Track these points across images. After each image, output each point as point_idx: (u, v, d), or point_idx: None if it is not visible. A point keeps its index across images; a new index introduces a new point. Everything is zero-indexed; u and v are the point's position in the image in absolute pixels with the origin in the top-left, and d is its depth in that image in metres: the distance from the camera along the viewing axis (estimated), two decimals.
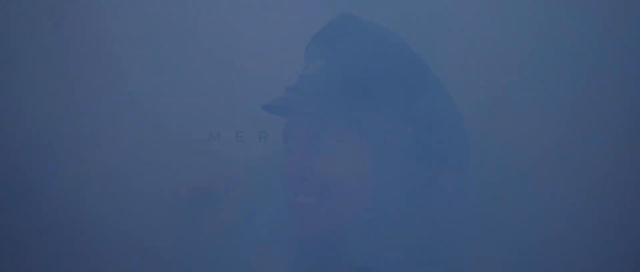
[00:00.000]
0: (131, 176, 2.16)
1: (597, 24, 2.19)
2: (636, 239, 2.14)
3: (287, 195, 2.08)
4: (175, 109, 2.20)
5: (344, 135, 2.04)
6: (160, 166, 2.17)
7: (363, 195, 2.04)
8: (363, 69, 2.05)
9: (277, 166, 2.12)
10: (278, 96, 2.08)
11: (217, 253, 2.14)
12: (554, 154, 2.16)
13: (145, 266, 2.15)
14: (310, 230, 2.05)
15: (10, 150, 2.18)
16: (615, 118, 2.17)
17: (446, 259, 2.05)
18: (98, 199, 2.17)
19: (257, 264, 2.12)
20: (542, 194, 2.15)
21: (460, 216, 2.07)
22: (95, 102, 2.18)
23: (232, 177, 2.18)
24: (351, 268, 2.04)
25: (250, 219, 2.15)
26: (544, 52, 2.19)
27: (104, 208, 2.16)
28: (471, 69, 2.17)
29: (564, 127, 2.17)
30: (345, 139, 2.04)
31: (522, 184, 2.15)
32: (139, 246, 2.15)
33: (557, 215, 2.14)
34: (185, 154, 2.18)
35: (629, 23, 2.18)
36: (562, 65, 2.19)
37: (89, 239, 2.16)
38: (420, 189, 2.04)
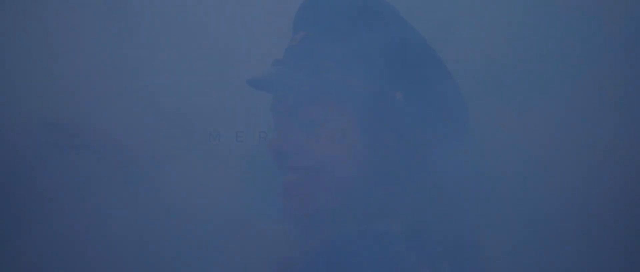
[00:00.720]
0: (130, 176, 2.16)
1: (597, 20, 2.19)
2: (635, 232, 2.14)
3: (277, 171, 2.06)
4: (175, 108, 2.20)
5: (331, 106, 2.03)
6: (159, 165, 2.17)
7: (353, 166, 2.01)
8: (345, 36, 2.02)
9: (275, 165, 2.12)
10: (263, 71, 2.05)
11: (216, 253, 2.14)
12: (553, 148, 2.16)
13: (147, 267, 2.15)
14: (302, 205, 2.03)
15: (9, 148, 2.19)
16: (615, 113, 2.18)
17: (441, 230, 2.02)
18: (97, 198, 2.17)
19: (255, 263, 2.12)
20: (541, 186, 2.15)
21: (456, 185, 2.04)
22: (94, 103, 2.18)
23: (232, 177, 2.18)
24: (345, 241, 2.01)
25: (249, 219, 2.16)
26: (543, 48, 2.19)
27: (104, 208, 2.16)
28: (469, 66, 2.17)
29: (563, 124, 2.18)
30: (332, 110, 2.03)
31: (521, 164, 2.15)
32: (143, 248, 2.15)
33: (559, 202, 2.14)
34: (185, 153, 2.18)
35: (629, 21, 2.18)
36: (563, 62, 2.19)
37: (89, 239, 2.16)
38: (413, 156, 2.01)
